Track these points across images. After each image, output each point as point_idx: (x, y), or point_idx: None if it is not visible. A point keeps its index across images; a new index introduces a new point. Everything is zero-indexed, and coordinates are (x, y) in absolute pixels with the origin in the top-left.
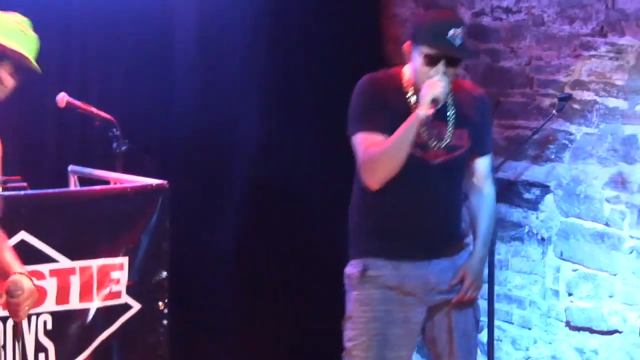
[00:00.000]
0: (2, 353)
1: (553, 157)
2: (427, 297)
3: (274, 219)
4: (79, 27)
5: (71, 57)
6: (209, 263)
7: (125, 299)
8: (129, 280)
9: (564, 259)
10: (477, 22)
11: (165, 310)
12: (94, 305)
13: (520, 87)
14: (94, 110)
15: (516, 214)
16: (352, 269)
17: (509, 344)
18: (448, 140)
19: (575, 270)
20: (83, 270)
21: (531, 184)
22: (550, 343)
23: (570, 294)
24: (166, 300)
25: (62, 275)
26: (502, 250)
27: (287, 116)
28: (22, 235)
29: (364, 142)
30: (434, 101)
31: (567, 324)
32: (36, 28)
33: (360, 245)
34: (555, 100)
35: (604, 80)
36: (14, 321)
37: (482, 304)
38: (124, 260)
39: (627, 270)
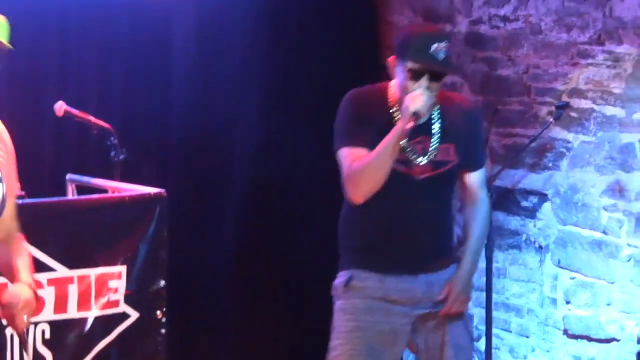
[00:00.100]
0: None
1: (551, 165)
2: (413, 310)
3: (274, 221)
4: (76, 36)
5: (68, 66)
6: (208, 270)
7: (123, 307)
8: (127, 289)
9: (561, 267)
10: (475, 30)
11: (163, 319)
12: (92, 314)
13: (518, 95)
14: (92, 118)
15: (514, 222)
16: (338, 280)
17: (507, 352)
18: (432, 156)
19: (572, 278)
20: (81, 279)
21: (529, 192)
22: (548, 351)
23: (568, 302)
24: (164, 309)
25: (60, 284)
26: (499, 258)
27: (285, 122)
28: None
29: (349, 157)
30: (415, 115)
31: (565, 332)
32: (33, 36)
33: (347, 257)
34: (553, 108)
35: (601, 89)
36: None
37: (480, 312)
38: (122, 269)
39: (624, 278)
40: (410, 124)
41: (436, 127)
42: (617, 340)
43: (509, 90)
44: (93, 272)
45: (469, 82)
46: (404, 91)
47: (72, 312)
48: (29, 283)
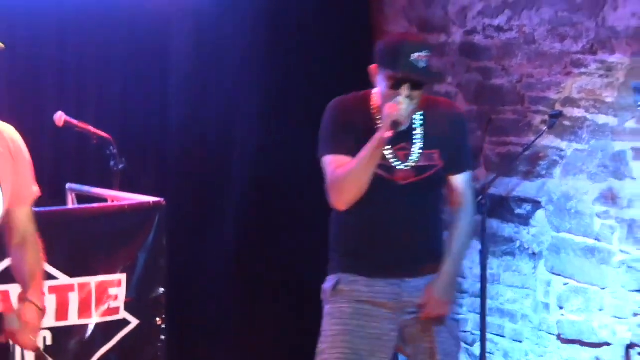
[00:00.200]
0: None
1: (544, 173)
2: (399, 314)
3: (273, 222)
4: (74, 46)
5: (68, 76)
6: (207, 275)
7: (123, 314)
8: (127, 297)
9: (555, 274)
10: (469, 40)
11: (163, 326)
12: (93, 321)
13: (512, 104)
14: (91, 128)
15: (508, 229)
16: (326, 284)
17: (501, 357)
18: (414, 162)
19: (566, 284)
20: (82, 287)
21: (523, 200)
22: (541, 356)
23: (561, 308)
24: (163, 316)
25: (61, 292)
26: (494, 264)
27: (283, 125)
28: None
29: (332, 165)
30: (395, 123)
31: (558, 337)
32: (33, 47)
33: (334, 262)
34: (546, 117)
35: (594, 98)
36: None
37: (475, 317)
38: (122, 276)
39: (616, 284)
40: (389, 133)
41: (419, 133)
42: (609, 345)
43: (503, 100)
44: (93, 280)
45: (464, 91)
46: (385, 99)
47: (73, 319)
48: (35, 303)
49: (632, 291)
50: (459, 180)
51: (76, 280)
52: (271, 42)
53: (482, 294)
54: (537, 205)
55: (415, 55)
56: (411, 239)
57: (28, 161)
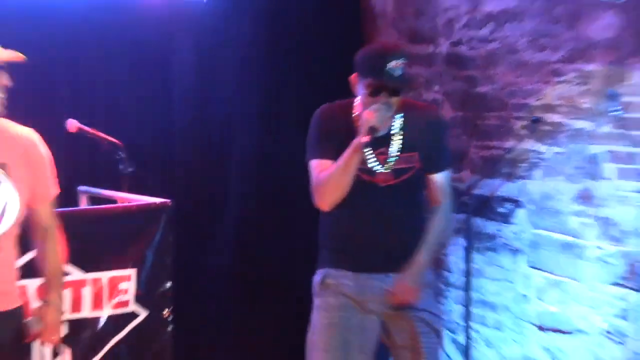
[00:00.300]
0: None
1: (525, 174)
2: (382, 307)
3: (275, 221)
4: (85, 60)
5: (79, 87)
6: (211, 272)
7: (133, 307)
8: (136, 291)
9: (534, 268)
10: (455, 51)
11: (170, 317)
12: (105, 313)
13: (495, 110)
14: (102, 135)
15: (491, 226)
16: (315, 277)
17: (484, 345)
18: (393, 165)
19: (544, 277)
20: (94, 281)
21: (505, 199)
22: (521, 343)
23: (539, 299)
24: (170, 308)
25: (75, 287)
26: (478, 260)
27: (284, 130)
28: None
29: (317, 168)
30: (372, 129)
31: (537, 326)
32: (49, 64)
33: (322, 257)
34: (527, 122)
35: (571, 104)
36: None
37: (460, 308)
38: (131, 272)
39: (592, 277)
40: (367, 138)
41: (397, 137)
42: (585, 333)
43: (486, 106)
44: (105, 276)
45: (450, 98)
46: (365, 107)
47: (87, 311)
48: (55, 306)
49: (606, 284)
50: (437, 179)
51: (89, 276)
52: (270, 52)
53: (467, 287)
54: (518, 204)
55: (391, 64)
56: (393, 237)
57: (47, 162)
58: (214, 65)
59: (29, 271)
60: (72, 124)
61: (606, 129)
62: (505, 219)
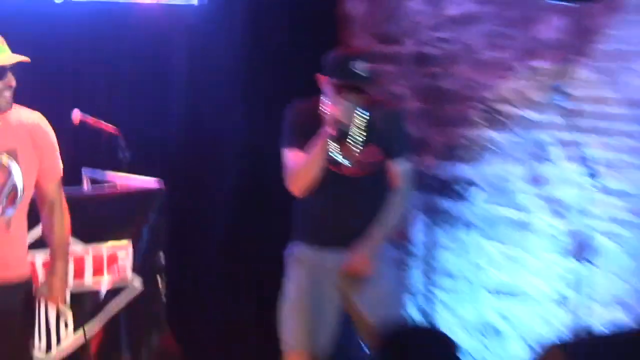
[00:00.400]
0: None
1: (480, 158)
2: (342, 278)
3: (260, 205)
4: (87, 59)
5: (82, 78)
6: (201, 246)
7: (130, 277)
8: (133, 262)
9: (488, 240)
10: (421, 50)
11: (163, 286)
12: (105, 281)
13: (456, 103)
14: (103, 124)
15: (450, 204)
16: (287, 252)
17: (443, 308)
18: (356, 157)
19: (497, 249)
20: (95, 254)
21: (462, 180)
22: (476, 308)
23: (493, 268)
24: (164, 278)
25: (78, 258)
26: (438, 233)
27: (265, 122)
28: None
29: (289, 158)
30: (336, 124)
31: (490, 292)
32: (54, 62)
33: (295, 234)
34: (484, 113)
35: (523, 97)
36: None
37: (422, 276)
38: (129, 245)
39: (539, 249)
40: (332, 132)
41: (361, 131)
42: (533, 299)
43: (448, 99)
44: (105, 248)
45: (416, 93)
46: (332, 103)
47: (88, 280)
48: (60, 276)
49: (552, 254)
50: (396, 166)
51: (90, 248)
52: (254, 50)
53: (428, 257)
54: (473, 184)
55: (354, 64)
56: (355, 220)
57: (53, 144)
58: (205, 63)
59: (34, 245)
60: (76, 114)
61: (551, 118)
62: (463, 197)
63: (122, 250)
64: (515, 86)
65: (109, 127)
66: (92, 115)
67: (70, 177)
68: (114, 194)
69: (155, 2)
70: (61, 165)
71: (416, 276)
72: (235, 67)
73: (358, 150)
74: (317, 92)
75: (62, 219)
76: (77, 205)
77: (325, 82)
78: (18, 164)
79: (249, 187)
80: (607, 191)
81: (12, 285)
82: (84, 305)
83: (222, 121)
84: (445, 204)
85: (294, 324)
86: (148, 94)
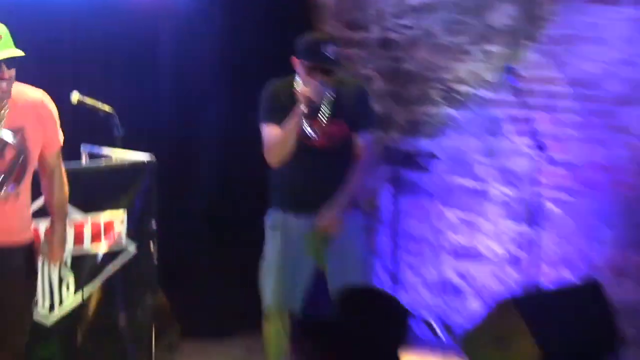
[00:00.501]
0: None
1: (440, 133)
2: (314, 238)
3: (241, 176)
4: (86, 43)
5: (81, 62)
6: (188, 214)
7: (125, 242)
8: (127, 229)
9: (447, 207)
10: (386, 36)
11: (154, 250)
12: (102, 246)
13: (417, 83)
14: (99, 104)
15: (413, 175)
16: (266, 217)
17: (408, 269)
18: (325, 131)
19: (456, 215)
20: (93, 221)
21: (424, 153)
22: (438, 269)
23: (453, 232)
24: (155, 243)
25: (78, 225)
26: (403, 202)
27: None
28: None
29: (267, 133)
30: (308, 101)
31: (450, 253)
32: (55, 50)
33: (272, 201)
34: (443, 92)
35: (478, 78)
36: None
37: (388, 241)
38: (123, 213)
39: (494, 215)
40: (305, 109)
41: (328, 108)
42: (489, 259)
43: (411, 80)
44: (102, 216)
45: (381, 74)
46: (303, 83)
47: (87, 245)
48: (59, 235)
49: (505, 219)
50: (360, 138)
51: (89, 217)
52: (234, 37)
53: (393, 223)
54: (434, 157)
55: (323, 48)
56: (328, 187)
57: (55, 119)
58: (190, 48)
59: (38, 214)
60: (75, 96)
61: (503, 96)
62: (425, 169)
63: (118, 218)
64: (471, 68)
65: (104, 107)
66: (89, 96)
67: (70, 153)
68: (109, 167)
69: None
70: (62, 137)
71: (384, 240)
72: (218, 51)
73: (326, 125)
74: (290, 72)
75: (61, 185)
76: (76, 178)
77: (298, 64)
78: (26, 140)
79: (230, 159)
80: (553, 162)
81: (17, 247)
82: (84, 268)
83: (207, 101)
84: (409, 175)
85: (272, 284)
86: (140, 78)
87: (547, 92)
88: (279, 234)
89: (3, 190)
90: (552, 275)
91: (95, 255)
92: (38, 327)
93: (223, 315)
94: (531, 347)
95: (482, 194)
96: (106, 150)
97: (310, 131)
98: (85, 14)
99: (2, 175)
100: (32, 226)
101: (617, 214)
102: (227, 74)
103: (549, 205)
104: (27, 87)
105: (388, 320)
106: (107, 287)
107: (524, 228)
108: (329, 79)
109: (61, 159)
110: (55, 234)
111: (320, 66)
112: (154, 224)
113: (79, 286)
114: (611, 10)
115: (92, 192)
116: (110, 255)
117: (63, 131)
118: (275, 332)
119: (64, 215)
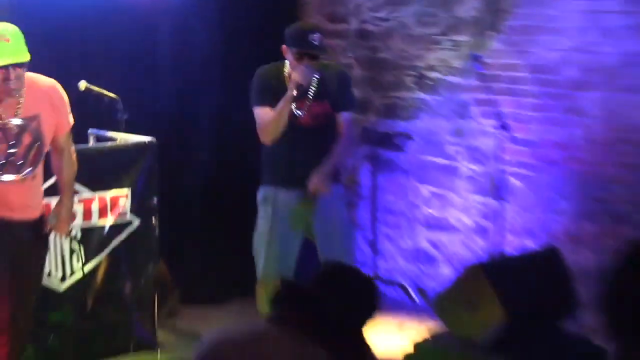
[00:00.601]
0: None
1: (414, 116)
2: (304, 210)
3: (235, 155)
4: (94, 34)
5: (88, 56)
6: (187, 190)
7: (129, 217)
8: (131, 204)
9: (421, 183)
10: (363, 27)
11: (156, 224)
12: (108, 221)
13: (392, 70)
14: (105, 91)
15: (389, 154)
16: (258, 193)
17: (385, 239)
18: (310, 111)
19: (429, 190)
20: (100, 198)
21: (399, 134)
22: (413, 239)
23: (426, 206)
24: (157, 217)
25: (86, 202)
26: (380, 178)
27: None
28: None
29: (260, 114)
30: (298, 85)
31: (424, 225)
32: (65, 42)
33: (264, 177)
34: (416, 78)
35: (447, 65)
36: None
37: (367, 214)
38: (128, 191)
39: (463, 189)
40: (295, 92)
41: (315, 90)
42: (459, 231)
43: (386, 67)
44: (108, 194)
45: (359, 62)
46: (292, 69)
47: (95, 220)
48: (67, 208)
49: (473, 193)
50: (342, 117)
51: (96, 194)
52: (228, 28)
53: (372, 198)
54: (408, 137)
55: (310, 36)
56: (312, 162)
57: (66, 104)
58: (188, 38)
59: (50, 191)
60: (82, 84)
61: (471, 82)
62: (399, 148)
63: (123, 195)
64: (440, 56)
65: (109, 94)
66: (96, 84)
67: (79, 136)
68: (114, 149)
69: None
70: (71, 119)
71: (364, 214)
72: (213, 42)
73: (311, 105)
74: (280, 58)
75: (70, 162)
76: (85, 159)
77: (287, 51)
78: (41, 126)
79: (225, 141)
80: (516, 141)
81: (30, 221)
82: (92, 240)
83: (203, 87)
84: (386, 154)
85: (264, 254)
86: (142, 67)
87: (509, 78)
88: (270, 207)
89: (22, 175)
90: (515, 243)
91: (102, 228)
92: (52, 294)
93: (220, 282)
94: (497, 308)
95: (452, 171)
96: (111, 134)
97: (297, 111)
98: (92, 12)
99: (21, 161)
100: (44, 202)
101: (573, 188)
102: (221, 63)
103: (512, 180)
104: (41, 77)
105: (358, 299)
106: (113, 258)
107: (489, 201)
108: (315, 65)
109: (71, 140)
110: (64, 207)
111: (308, 53)
112: (155, 200)
113: (87, 257)
114: (568, 3)
115: (99, 171)
116: (116, 229)
117: (72, 116)
118: (267, 298)
119: (71, 189)
